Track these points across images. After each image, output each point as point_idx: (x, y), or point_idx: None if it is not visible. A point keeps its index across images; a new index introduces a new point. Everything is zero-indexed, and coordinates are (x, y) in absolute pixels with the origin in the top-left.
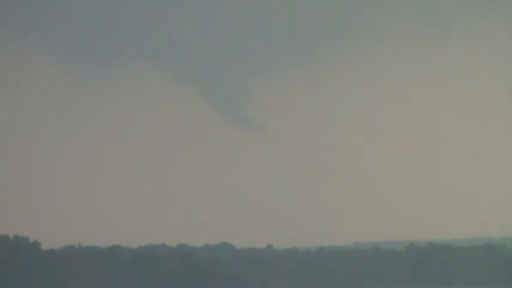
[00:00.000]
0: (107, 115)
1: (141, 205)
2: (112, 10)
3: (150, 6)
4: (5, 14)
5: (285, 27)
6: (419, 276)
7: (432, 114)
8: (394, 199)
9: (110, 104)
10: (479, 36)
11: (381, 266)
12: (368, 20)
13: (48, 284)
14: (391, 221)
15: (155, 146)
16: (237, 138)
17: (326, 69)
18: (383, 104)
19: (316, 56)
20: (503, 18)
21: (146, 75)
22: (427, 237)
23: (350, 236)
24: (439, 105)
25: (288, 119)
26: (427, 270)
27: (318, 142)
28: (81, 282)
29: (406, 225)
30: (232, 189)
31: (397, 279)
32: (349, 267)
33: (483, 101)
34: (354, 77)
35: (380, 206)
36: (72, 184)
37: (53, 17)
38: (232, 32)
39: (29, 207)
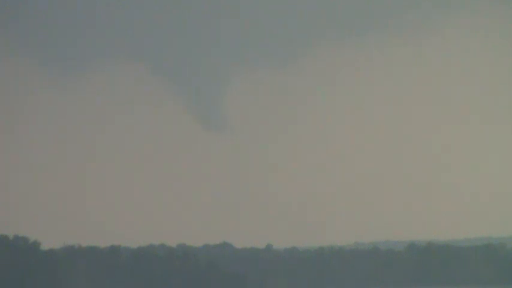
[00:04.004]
0: (106, 115)
1: (141, 205)
2: (85, 12)
3: (128, 7)
4: None
5: (264, 23)
6: (419, 276)
7: (432, 114)
8: (394, 199)
9: (108, 104)
10: (479, 34)
11: (380, 266)
12: (351, 15)
13: (48, 284)
14: (391, 221)
15: (155, 146)
16: (237, 138)
17: (311, 65)
18: (382, 104)
19: (297, 53)
20: (504, 16)
21: (123, 73)
22: (426, 237)
23: (350, 236)
24: (439, 105)
25: (287, 119)
26: (427, 270)
27: (318, 142)
28: (81, 282)
29: (405, 225)
30: (232, 189)
31: (397, 279)
32: (348, 267)
33: (483, 100)
34: (346, 74)
35: (380, 206)
36: (71, 184)
37: (38, 16)
38: (208, 28)
39: (29, 207)
